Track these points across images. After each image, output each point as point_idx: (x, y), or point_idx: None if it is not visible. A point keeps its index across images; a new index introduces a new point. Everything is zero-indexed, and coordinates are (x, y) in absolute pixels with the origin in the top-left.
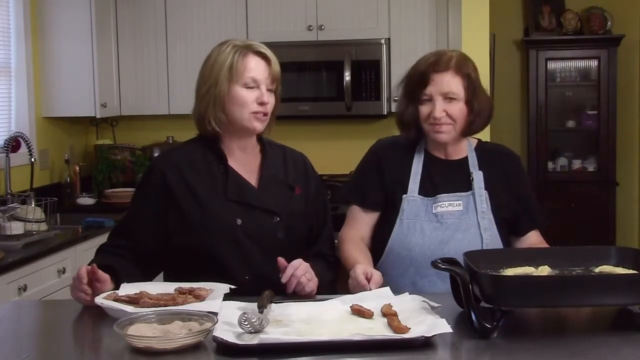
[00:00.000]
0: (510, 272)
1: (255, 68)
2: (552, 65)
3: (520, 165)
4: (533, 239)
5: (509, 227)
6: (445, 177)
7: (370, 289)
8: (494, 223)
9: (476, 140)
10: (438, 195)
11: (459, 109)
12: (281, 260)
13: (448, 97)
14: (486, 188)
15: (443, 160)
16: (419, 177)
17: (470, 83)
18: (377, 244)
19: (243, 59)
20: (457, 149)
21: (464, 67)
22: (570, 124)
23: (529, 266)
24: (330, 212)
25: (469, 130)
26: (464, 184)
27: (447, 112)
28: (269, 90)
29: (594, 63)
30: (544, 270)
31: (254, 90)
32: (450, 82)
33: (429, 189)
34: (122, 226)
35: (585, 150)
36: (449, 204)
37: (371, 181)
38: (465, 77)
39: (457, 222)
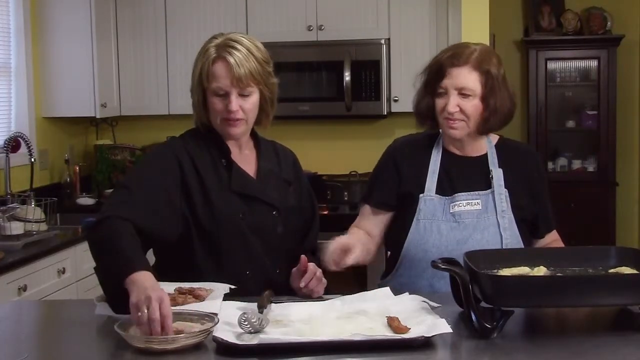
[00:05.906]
0: (506, 272)
1: (219, 77)
2: (552, 65)
3: (541, 166)
4: (550, 239)
5: (529, 227)
6: (464, 175)
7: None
8: (514, 222)
9: (497, 137)
10: (456, 194)
11: (473, 105)
12: (304, 259)
13: (463, 93)
14: (506, 187)
15: (461, 157)
16: (437, 175)
17: (489, 80)
18: (394, 245)
19: (211, 66)
20: (475, 146)
21: (484, 63)
22: (570, 124)
23: (526, 266)
24: (325, 212)
25: (484, 127)
26: (483, 182)
27: (460, 108)
28: (241, 95)
29: (593, 63)
30: (540, 271)
31: (224, 97)
32: (466, 78)
33: (446, 187)
34: (141, 217)
35: (585, 150)
36: (467, 203)
37: (383, 181)
38: (483, 74)
39: (476, 221)
